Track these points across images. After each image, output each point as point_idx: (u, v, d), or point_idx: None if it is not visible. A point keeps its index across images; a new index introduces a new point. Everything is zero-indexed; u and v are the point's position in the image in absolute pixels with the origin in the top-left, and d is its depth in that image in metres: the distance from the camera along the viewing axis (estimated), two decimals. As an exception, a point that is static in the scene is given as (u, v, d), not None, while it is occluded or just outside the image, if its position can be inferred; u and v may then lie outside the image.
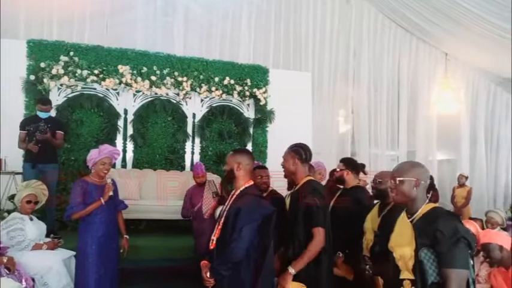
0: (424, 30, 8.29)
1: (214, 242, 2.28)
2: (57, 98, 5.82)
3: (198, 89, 6.47)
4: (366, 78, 8.51)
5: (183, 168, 6.38)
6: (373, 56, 8.62)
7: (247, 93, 6.74)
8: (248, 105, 6.91)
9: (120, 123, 6.17)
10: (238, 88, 6.66)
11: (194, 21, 7.31)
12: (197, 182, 4.36)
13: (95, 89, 6.03)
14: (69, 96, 5.91)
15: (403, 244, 1.83)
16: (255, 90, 6.76)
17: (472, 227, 3.18)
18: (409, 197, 1.88)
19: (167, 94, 6.36)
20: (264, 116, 6.84)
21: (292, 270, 2.38)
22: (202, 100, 6.63)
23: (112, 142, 5.85)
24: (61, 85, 5.84)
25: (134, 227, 5.35)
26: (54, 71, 5.70)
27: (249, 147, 6.77)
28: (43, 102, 4.81)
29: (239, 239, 2.12)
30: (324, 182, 4.38)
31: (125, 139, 6.19)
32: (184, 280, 4.05)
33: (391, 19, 8.59)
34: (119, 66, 6.04)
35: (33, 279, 3.24)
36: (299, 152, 2.65)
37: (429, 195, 1.92)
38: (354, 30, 8.47)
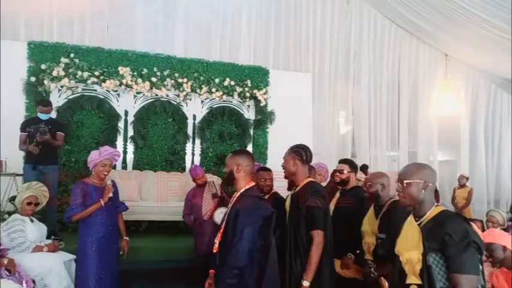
0: (424, 31, 8.29)
1: (217, 246, 2.25)
2: (57, 99, 5.84)
3: (198, 91, 6.48)
4: (366, 79, 8.50)
5: (183, 169, 6.38)
6: (373, 57, 8.62)
7: (248, 95, 6.74)
8: (248, 106, 6.91)
9: (121, 124, 6.18)
10: (239, 89, 6.67)
11: (194, 23, 7.31)
12: (197, 183, 4.36)
13: (95, 90, 6.04)
14: (70, 97, 5.92)
15: (409, 248, 1.79)
16: (255, 91, 6.77)
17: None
18: (417, 200, 1.84)
19: (167, 95, 6.37)
20: (264, 117, 6.85)
21: (306, 283, 2.36)
22: (202, 101, 6.63)
23: (112, 143, 5.86)
24: (61, 87, 5.85)
25: (135, 228, 5.35)
26: (54, 73, 5.71)
27: (250, 148, 6.78)
28: (44, 104, 4.81)
29: (240, 241, 2.08)
30: (324, 183, 4.39)
31: (125, 140, 6.20)
32: (185, 281, 4.06)
33: (391, 20, 8.59)
34: (120, 68, 6.06)
35: (33, 281, 3.24)
36: (300, 153, 2.65)
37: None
38: (354, 31, 8.47)
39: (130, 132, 6.23)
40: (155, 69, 6.27)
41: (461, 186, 7.34)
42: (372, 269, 2.51)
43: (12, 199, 4.43)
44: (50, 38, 6.20)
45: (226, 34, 7.55)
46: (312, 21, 8.20)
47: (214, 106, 6.69)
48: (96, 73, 5.94)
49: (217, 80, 6.57)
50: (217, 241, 2.27)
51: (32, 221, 3.66)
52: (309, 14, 8.17)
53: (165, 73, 6.31)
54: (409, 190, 1.85)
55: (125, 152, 6.16)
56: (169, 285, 4.26)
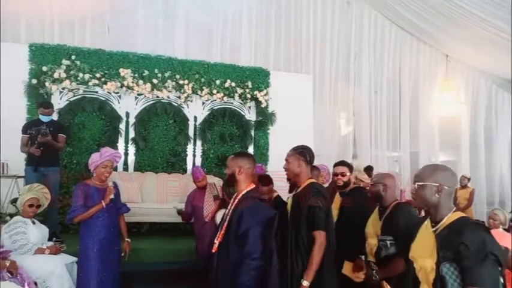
0: (424, 32, 8.29)
1: (216, 245, 2.26)
2: (59, 101, 5.85)
3: (199, 92, 6.49)
4: (367, 80, 8.50)
5: (184, 171, 6.38)
6: (374, 58, 8.62)
7: (249, 96, 6.75)
8: (249, 107, 6.92)
9: (122, 126, 6.19)
10: (240, 91, 6.68)
11: (195, 24, 7.32)
12: (197, 186, 4.36)
13: (96, 92, 6.05)
14: (71, 99, 5.94)
15: (424, 255, 1.70)
16: (256, 92, 6.77)
17: None
18: (430, 203, 1.75)
19: (168, 97, 6.38)
20: (265, 118, 6.85)
21: (306, 283, 2.36)
22: (203, 103, 6.64)
23: (114, 145, 5.87)
24: (63, 89, 5.86)
25: (136, 230, 5.35)
26: (56, 75, 5.72)
27: (251, 149, 6.78)
28: (45, 106, 4.82)
29: (250, 242, 2.08)
30: (326, 185, 4.38)
31: (126, 142, 6.21)
32: (186, 283, 4.05)
33: (391, 21, 8.60)
34: (121, 70, 6.07)
35: (35, 283, 3.24)
36: (304, 154, 2.65)
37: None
38: (355, 32, 8.47)
39: (132, 134, 6.24)
40: (156, 70, 6.28)
41: (463, 187, 7.32)
42: (374, 271, 2.49)
43: (13, 201, 4.43)
44: (51, 40, 6.22)
45: (226, 36, 7.56)
46: (313, 22, 8.21)
47: (215, 107, 6.70)
48: (97, 75, 5.96)
49: (218, 82, 6.57)
50: (217, 241, 2.27)
51: (33, 223, 3.66)
52: (310, 15, 8.18)
53: (166, 75, 6.32)
54: (422, 193, 1.76)
55: (126, 154, 6.17)
56: (170, 286, 4.25)
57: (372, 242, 2.80)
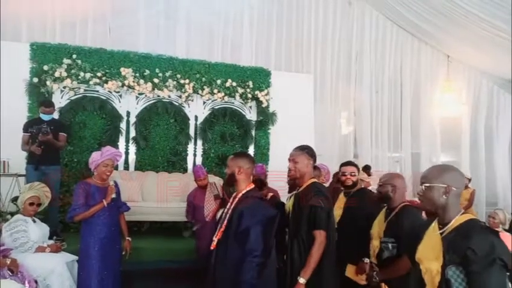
0: (426, 32, 8.29)
1: (215, 243, 2.29)
2: (60, 100, 5.85)
3: (200, 92, 6.49)
4: (368, 80, 8.51)
5: (185, 170, 6.38)
6: (375, 58, 8.62)
7: (249, 96, 6.75)
8: (250, 107, 6.92)
9: (123, 125, 6.19)
10: (240, 90, 6.68)
11: (196, 24, 7.32)
12: (198, 184, 4.37)
13: (97, 91, 6.06)
14: (72, 98, 5.94)
15: (430, 258, 1.67)
16: (257, 92, 6.77)
17: None
18: (438, 205, 1.71)
19: (169, 96, 6.38)
20: (266, 118, 6.85)
21: (302, 280, 2.35)
22: (204, 102, 6.64)
23: (114, 144, 5.86)
24: (64, 87, 5.87)
25: (137, 229, 5.36)
26: (57, 74, 5.73)
27: (251, 149, 6.79)
28: (46, 105, 4.83)
29: (251, 239, 2.10)
30: (326, 185, 4.39)
31: (127, 141, 6.21)
32: (186, 282, 4.06)
33: (392, 21, 8.59)
34: (122, 69, 6.07)
35: (36, 281, 3.25)
36: (313, 155, 2.65)
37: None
38: (356, 32, 8.47)
39: (133, 133, 6.24)
40: (157, 70, 6.28)
41: (464, 187, 7.30)
42: (375, 273, 2.49)
43: (14, 199, 4.44)
44: (52, 39, 6.22)
45: (228, 35, 7.56)
46: (314, 22, 8.21)
47: (216, 107, 6.70)
48: (99, 74, 5.96)
49: (219, 81, 6.57)
50: (215, 238, 2.29)
51: (34, 221, 3.67)
52: (311, 15, 8.18)
53: (167, 74, 6.32)
54: (429, 194, 1.73)
55: (126, 153, 6.17)
56: (171, 285, 4.26)
57: (375, 244, 2.76)
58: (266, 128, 6.89)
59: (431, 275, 1.65)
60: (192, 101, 6.53)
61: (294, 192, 2.76)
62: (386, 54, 8.69)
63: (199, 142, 6.62)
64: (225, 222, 2.28)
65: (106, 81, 6.00)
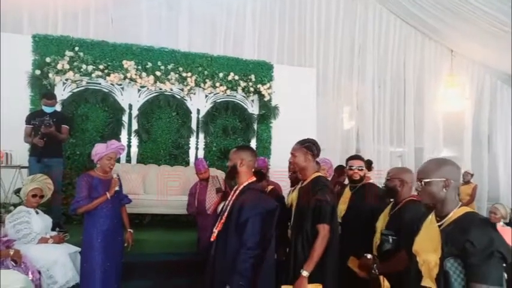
0: (429, 27, 8.22)
1: (215, 234, 2.31)
2: (62, 92, 5.86)
3: (202, 85, 6.48)
4: (371, 75, 8.46)
5: (187, 163, 6.40)
6: (378, 52, 8.56)
7: (252, 89, 6.73)
8: (252, 101, 6.91)
9: (125, 118, 6.20)
10: (243, 84, 6.66)
11: (198, 17, 7.29)
12: (200, 178, 4.38)
13: (99, 84, 6.06)
14: (74, 91, 5.95)
15: (428, 250, 1.68)
16: (259, 86, 6.75)
17: None
18: (438, 199, 1.72)
19: (171, 89, 6.37)
20: (268, 111, 6.84)
21: (305, 273, 2.36)
22: (206, 96, 6.63)
23: (117, 137, 5.88)
24: (66, 80, 5.87)
25: (138, 222, 5.39)
26: (59, 66, 5.73)
27: (253, 143, 6.78)
28: (48, 97, 4.84)
29: (248, 231, 2.12)
30: (328, 179, 4.38)
31: (129, 134, 6.23)
32: (187, 274, 4.09)
33: (396, 15, 8.52)
34: (124, 62, 6.06)
35: (39, 272, 3.28)
36: (312, 148, 2.65)
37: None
38: (359, 25, 8.40)
39: (135, 126, 6.25)
40: (159, 63, 6.26)
41: (466, 182, 7.30)
42: (375, 265, 2.49)
43: (17, 191, 4.47)
44: (54, 31, 6.21)
45: (230, 28, 7.52)
46: (317, 15, 8.15)
47: (218, 100, 6.69)
48: (101, 66, 5.95)
49: (221, 75, 6.56)
50: (216, 230, 2.31)
51: (37, 212, 3.70)
52: (314, 8, 8.12)
53: (169, 67, 6.31)
54: (429, 189, 1.73)
55: (129, 146, 6.19)
56: (172, 277, 4.29)
57: (378, 237, 2.76)
58: (268, 122, 6.88)
59: (428, 266, 1.66)
60: (194, 94, 6.53)
61: (297, 186, 2.77)
62: (390, 48, 8.63)
63: (201, 135, 6.62)
64: (226, 214, 2.30)
65: (108, 74, 5.99)
